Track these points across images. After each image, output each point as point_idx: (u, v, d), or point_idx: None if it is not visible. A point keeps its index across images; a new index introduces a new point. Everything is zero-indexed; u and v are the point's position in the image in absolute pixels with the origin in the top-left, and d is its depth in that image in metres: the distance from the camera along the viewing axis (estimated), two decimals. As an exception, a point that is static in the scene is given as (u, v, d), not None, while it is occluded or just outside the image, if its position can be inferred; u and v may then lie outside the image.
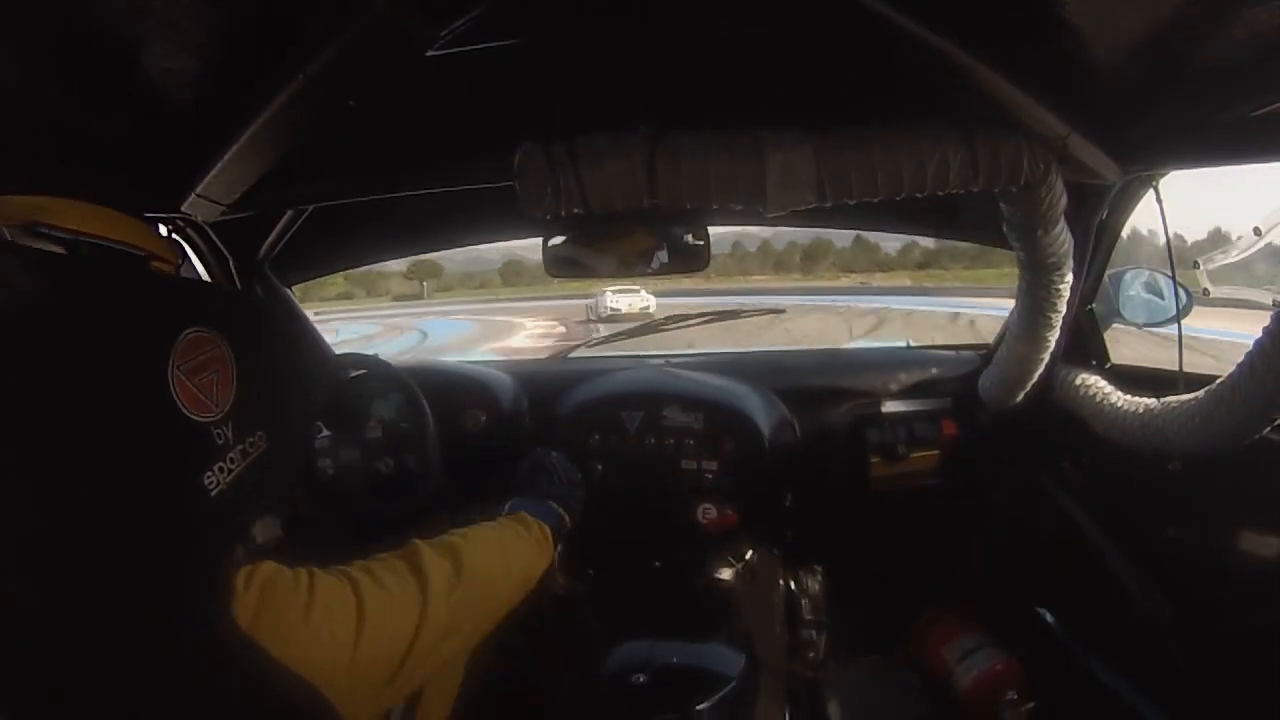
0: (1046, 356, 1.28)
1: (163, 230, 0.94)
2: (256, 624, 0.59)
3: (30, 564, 0.48)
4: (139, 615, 0.52)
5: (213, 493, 0.58)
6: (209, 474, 0.58)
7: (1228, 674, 1.13)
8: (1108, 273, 1.39)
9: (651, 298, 13.61)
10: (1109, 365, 1.42)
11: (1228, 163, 0.89)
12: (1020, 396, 1.39)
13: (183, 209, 0.95)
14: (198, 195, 0.93)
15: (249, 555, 0.63)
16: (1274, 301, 0.89)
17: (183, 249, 0.88)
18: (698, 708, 1.08)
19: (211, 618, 0.55)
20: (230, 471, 0.60)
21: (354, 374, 1.45)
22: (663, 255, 1.36)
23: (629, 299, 13.16)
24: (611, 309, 12.83)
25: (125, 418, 0.54)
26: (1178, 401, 1.04)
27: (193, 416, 0.57)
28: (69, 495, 0.49)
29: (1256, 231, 1.03)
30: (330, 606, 0.65)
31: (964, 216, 1.54)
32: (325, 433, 1.38)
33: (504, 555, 0.93)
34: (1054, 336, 1.24)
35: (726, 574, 1.51)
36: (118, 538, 0.51)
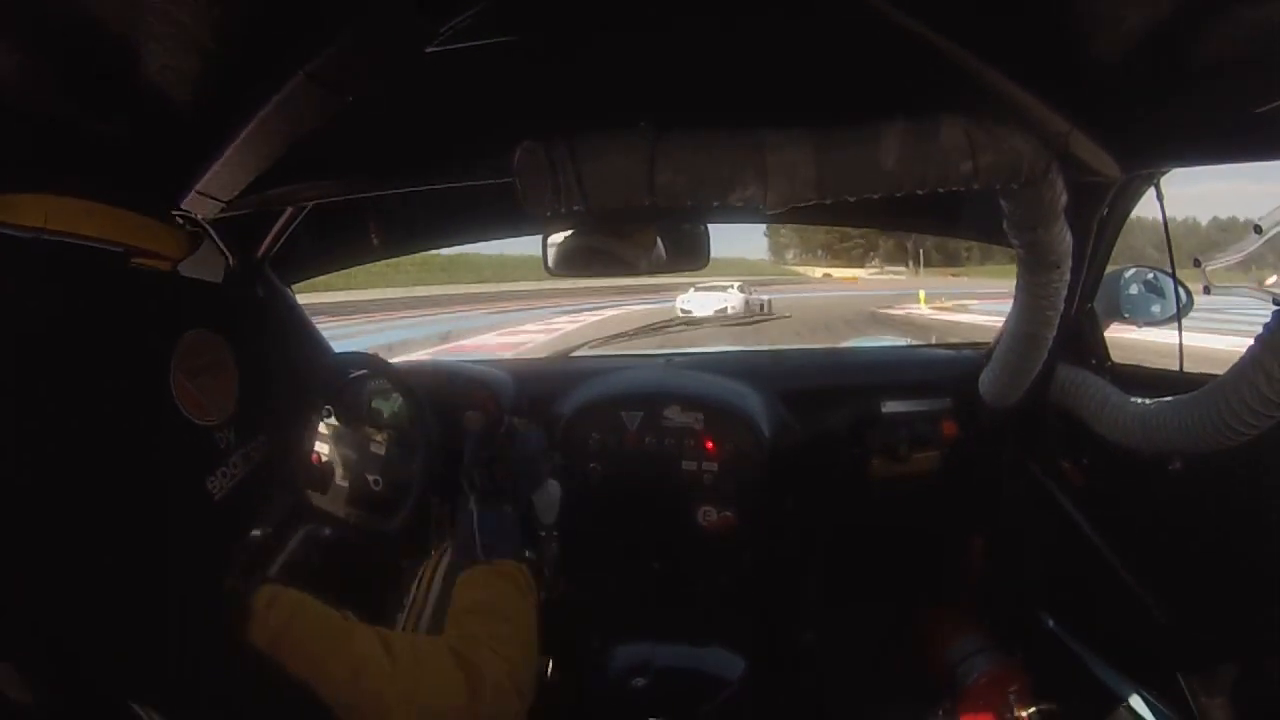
0: (1044, 354, 1.28)
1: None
2: (275, 647, 0.58)
3: (30, 571, 0.47)
4: (141, 621, 0.51)
5: (216, 498, 0.57)
6: (211, 478, 0.57)
7: (1230, 674, 1.13)
8: (1108, 271, 1.38)
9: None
10: (1109, 364, 1.42)
11: (1231, 160, 0.89)
12: (1019, 394, 1.39)
13: (182, 206, 0.94)
14: (197, 192, 0.93)
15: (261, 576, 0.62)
16: (1274, 299, 0.89)
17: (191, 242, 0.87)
18: (698, 711, 1.08)
19: (217, 622, 0.55)
20: (233, 476, 0.59)
21: (354, 374, 1.44)
22: (662, 252, 1.36)
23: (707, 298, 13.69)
24: (683, 310, 12.90)
25: (126, 421, 0.53)
26: (1177, 400, 1.04)
27: (194, 420, 0.56)
28: (69, 501, 0.49)
29: (1257, 229, 1.03)
30: (365, 658, 0.63)
31: (965, 213, 1.54)
32: (328, 431, 1.37)
33: (527, 632, 0.92)
34: (1051, 335, 1.24)
35: (726, 576, 1.50)
36: (119, 544, 0.51)
